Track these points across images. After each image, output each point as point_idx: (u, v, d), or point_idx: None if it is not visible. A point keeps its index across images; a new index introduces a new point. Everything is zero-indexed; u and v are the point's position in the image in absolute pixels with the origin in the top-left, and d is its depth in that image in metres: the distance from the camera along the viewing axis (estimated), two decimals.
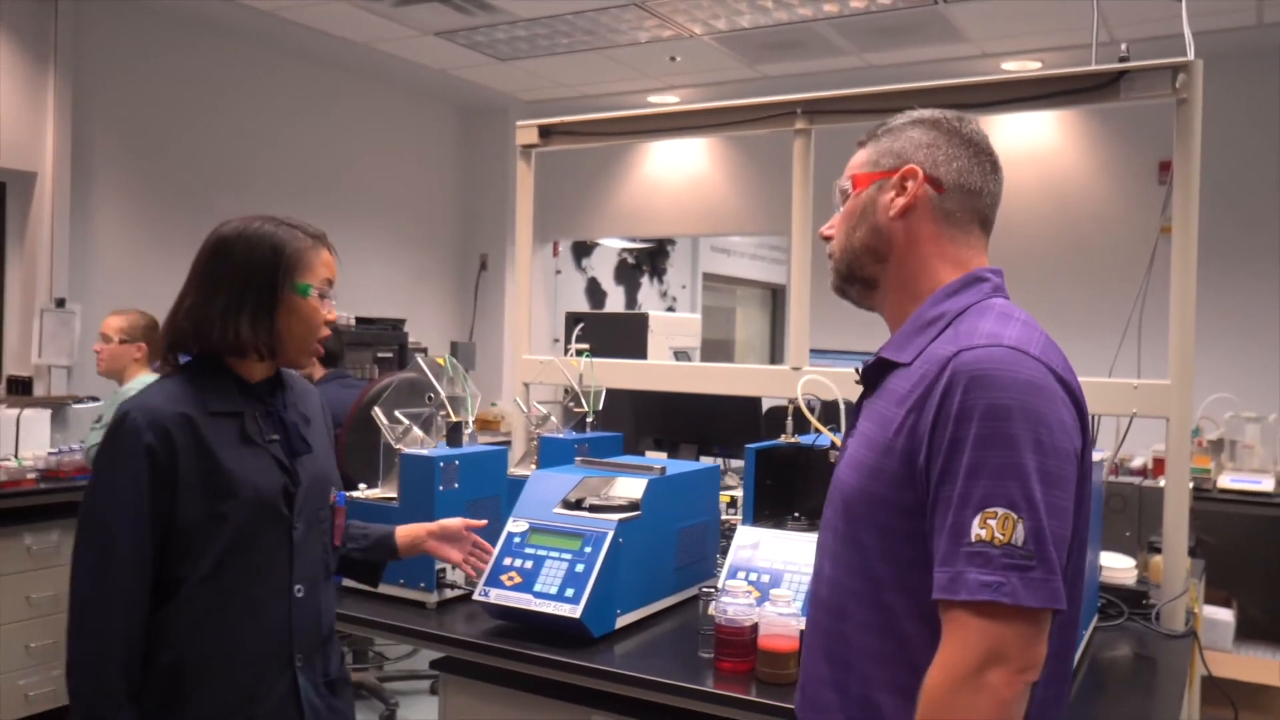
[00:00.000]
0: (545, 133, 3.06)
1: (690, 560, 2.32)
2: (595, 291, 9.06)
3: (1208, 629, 3.86)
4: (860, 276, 1.42)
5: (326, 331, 1.73)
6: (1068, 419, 1.22)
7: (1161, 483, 2.40)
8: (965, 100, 2.52)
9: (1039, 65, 5.51)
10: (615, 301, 9.28)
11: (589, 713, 2.02)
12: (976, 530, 1.15)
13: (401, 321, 5.99)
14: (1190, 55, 2.27)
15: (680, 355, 3.55)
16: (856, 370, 1.45)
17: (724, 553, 2.51)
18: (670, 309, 9.90)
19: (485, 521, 2.14)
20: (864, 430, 1.35)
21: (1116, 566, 2.38)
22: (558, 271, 8.13)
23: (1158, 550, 2.42)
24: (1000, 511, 1.14)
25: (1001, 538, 1.14)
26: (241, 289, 1.66)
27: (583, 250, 8.74)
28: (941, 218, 1.36)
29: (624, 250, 9.32)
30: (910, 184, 1.35)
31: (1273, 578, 4.57)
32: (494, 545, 2.25)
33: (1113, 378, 2.42)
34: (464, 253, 7.29)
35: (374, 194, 6.50)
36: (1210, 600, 4.11)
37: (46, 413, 4.39)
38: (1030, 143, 5.70)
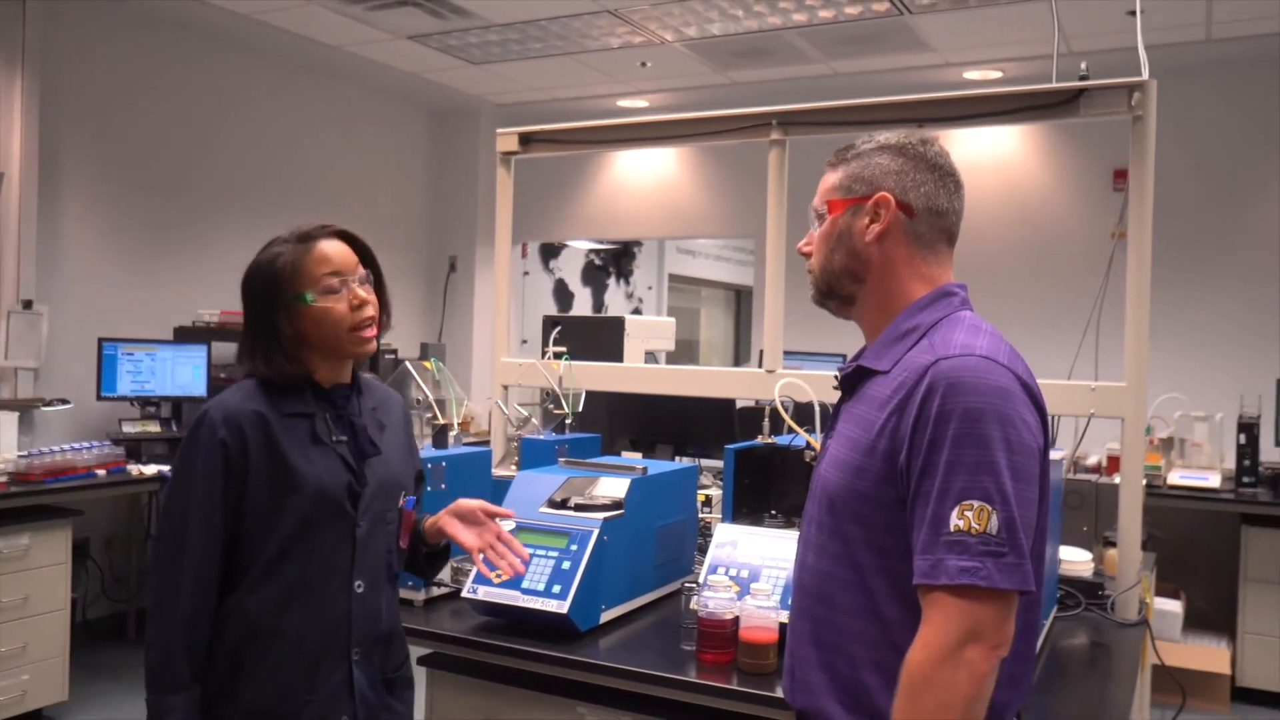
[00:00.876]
0: (525, 140, 3.12)
1: (670, 557, 2.40)
2: (563, 293, 9.11)
3: (1157, 619, 4.01)
4: (839, 294, 1.53)
5: (361, 315, 1.73)
6: (1031, 420, 1.34)
7: (1116, 480, 2.52)
8: (933, 114, 2.62)
9: (999, 74, 5.66)
10: (582, 303, 9.35)
11: (574, 704, 2.10)
12: (955, 521, 1.26)
13: None
14: (1145, 74, 2.39)
15: (649, 357, 3.63)
16: (835, 376, 1.55)
17: (701, 550, 2.61)
18: (637, 310, 9.98)
19: (511, 512, 1.91)
20: (845, 432, 1.45)
21: (1074, 560, 2.50)
22: (525, 273, 8.19)
23: (1113, 544, 2.55)
24: (976, 504, 1.26)
25: (978, 527, 1.26)
26: (251, 329, 1.76)
27: (550, 252, 8.79)
28: (913, 240, 1.47)
29: (591, 252, 9.39)
30: (883, 211, 1.46)
31: (1218, 570, 4.74)
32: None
33: (1072, 379, 2.53)
34: (433, 254, 7.31)
35: (344, 195, 6.51)
36: (1159, 592, 4.27)
37: (14, 415, 4.39)
38: (991, 151, 5.85)
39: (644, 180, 7.00)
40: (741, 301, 12.23)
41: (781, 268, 2.78)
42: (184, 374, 5.04)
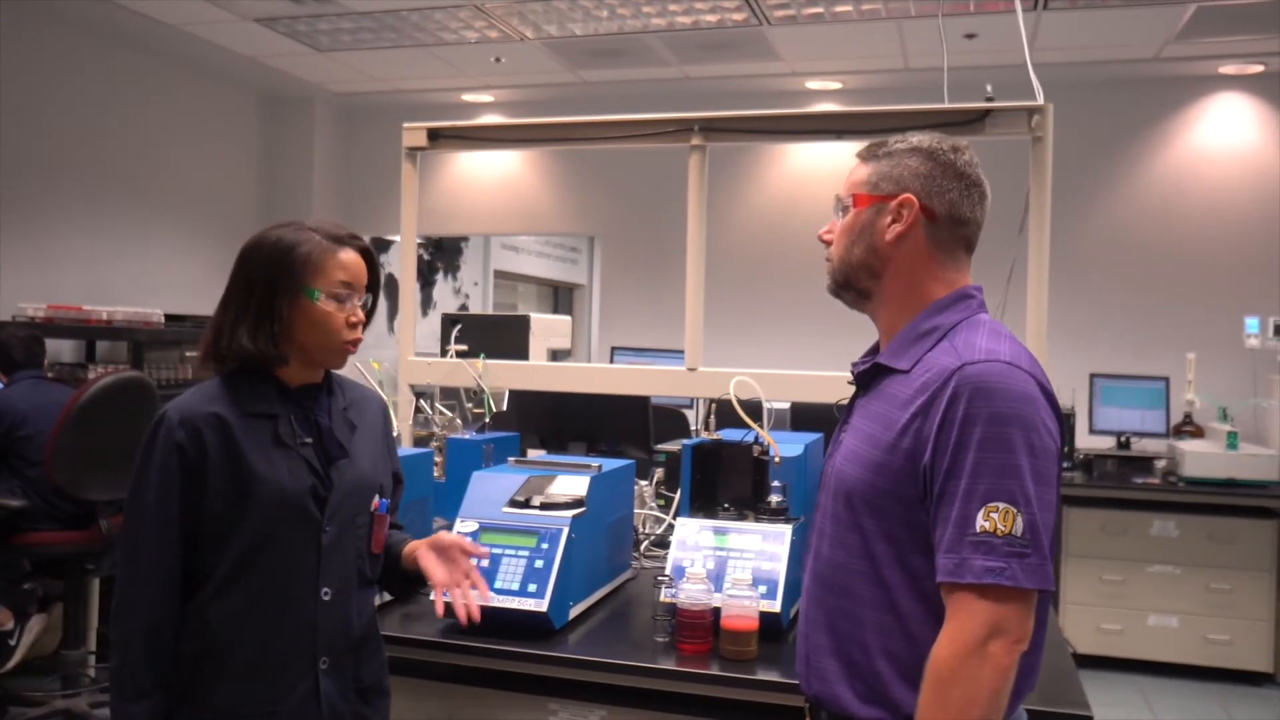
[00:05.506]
0: (433, 136, 3.08)
1: (616, 552, 2.45)
2: (391, 288, 8.87)
3: None
4: (856, 287, 1.57)
5: (351, 335, 1.72)
6: (1051, 425, 1.41)
7: None
8: (847, 127, 2.78)
9: (839, 86, 5.99)
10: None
11: (544, 701, 2.11)
12: (981, 522, 1.32)
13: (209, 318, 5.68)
14: (1040, 99, 2.63)
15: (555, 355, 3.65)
16: (851, 369, 1.61)
17: (635, 544, 2.67)
18: (464, 306, 9.86)
19: (487, 551, 1.93)
20: (863, 427, 1.51)
21: None
22: None
23: None
24: (1002, 506, 1.32)
25: (1004, 529, 1.32)
26: (245, 300, 1.69)
27: (379, 246, 8.55)
28: (933, 245, 1.52)
29: (420, 246, 9.20)
30: (906, 212, 1.50)
31: None
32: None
33: None
34: None
35: (172, 183, 6.09)
36: None
37: None
38: (830, 162, 6.04)
39: (487, 176, 6.93)
40: (559, 298, 12.31)
41: (701, 269, 2.87)
42: None
